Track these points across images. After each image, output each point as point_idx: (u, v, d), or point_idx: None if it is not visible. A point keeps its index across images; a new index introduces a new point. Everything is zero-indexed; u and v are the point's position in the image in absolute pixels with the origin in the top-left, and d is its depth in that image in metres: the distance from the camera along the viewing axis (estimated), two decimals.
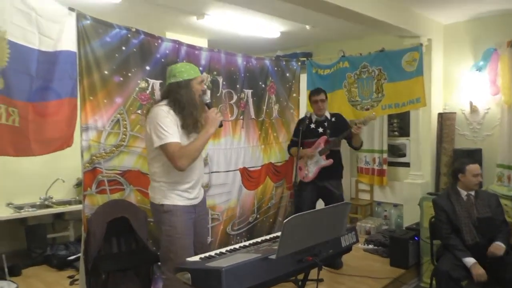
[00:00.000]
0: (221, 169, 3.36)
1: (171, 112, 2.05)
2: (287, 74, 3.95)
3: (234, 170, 3.49)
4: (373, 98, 3.88)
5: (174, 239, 2.08)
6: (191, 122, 2.07)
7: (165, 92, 2.16)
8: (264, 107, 3.76)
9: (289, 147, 3.62)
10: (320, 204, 3.46)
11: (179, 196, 2.11)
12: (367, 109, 3.89)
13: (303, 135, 3.33)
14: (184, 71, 2.12)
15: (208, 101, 2.12)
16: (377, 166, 4.61)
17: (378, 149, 4.61)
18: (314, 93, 3.46)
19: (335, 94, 4.05)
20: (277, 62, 3.89)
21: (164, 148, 2.00)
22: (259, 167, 3.72)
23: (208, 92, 2.18)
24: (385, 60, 3.83)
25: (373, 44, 4.30)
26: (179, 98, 2.06)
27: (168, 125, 2.00)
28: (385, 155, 4.56)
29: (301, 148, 3.39)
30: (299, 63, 4.05)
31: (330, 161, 3.29)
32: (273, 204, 3.86)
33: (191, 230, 2.14)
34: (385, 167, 4.56)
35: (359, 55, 4.02)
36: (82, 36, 2.48)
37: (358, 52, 4.07)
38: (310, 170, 3.35)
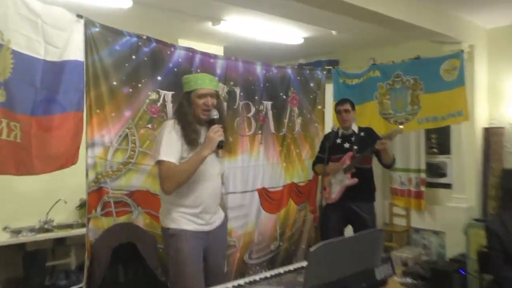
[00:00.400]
0: (237, 190, 3.36)
1: (177, 127, 2.14)
2: (311, 84, 3.96)
3: (251, 191, 3.48)
4: (408, 110, 3.84)
5: (181, 266, 2.09)
6: (195, 138, 2.11)
7: (176, 104, 2.32)
8: (286, 121, 3.75)
9: (314, 163, 3.60)
10: (349, 231, 3.41)
11: (187, 220, 2.14)
12: (401, 123, 3.84)
13: (330, 151, 3.32)
14: (187, 82, 2.22)
15: (214, 117, 2.15)
16: (413, 187, 4.53)
17: (414, 168, 4.54)
18: (338, 103, 3.48)
19: (365, 107, 4.03)
20: (300, 71, 3.91)
21: (157, 166, 2.10)
22: (281, 188, 3.70)
23: (216, 111, 2.17)
24: (421, 69, 3.80)
25: (408, 50, 4.28)
26: (181, 111, 2.18)
27: (167, 141, 2.08)
28: (423, 175, 4.48)
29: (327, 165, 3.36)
30: (325, 72, 4.07)
31: (354, 180, 3.25)
32: (296, 229, 3.83)
33: (200, 258, 2.15)
34: (423, 188, 4.47)
35: (391, 63, 4.00)
36: (90, 44, 2.54)
37: (390, 60, 4.05)
38: (334, 190, 3.32)
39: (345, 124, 3.37)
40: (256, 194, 3.52)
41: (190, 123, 2.14)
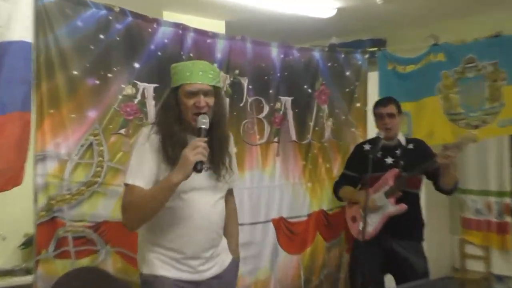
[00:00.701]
0: (244, 221, 3.31)
1: (153, 137, 2.15)
2: (347, 73, 3.95)
3: (264, 222, 3.47)
4: (485, 109, 3.79)
5: None
6: (177, 154, 2.06)
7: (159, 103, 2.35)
8: (311, 124, 3.75)
9: (337, 185, 3.61)
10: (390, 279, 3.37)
11: (164, 263, 2.16)
12: (477, 127, 3.79)
13: (363, 166, 3.29)
14: (173, 73, 2.24)
15: (201, 126, 2.09)
16: (495, 217, 4.50)
17: (495, 191, 4.51)
18: (379, 103, 3.45)
19: (423, 104, 4.01)
20: (331, 54, 3.89)
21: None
22: (305, 217, 3.68)
23: (205, 118, 2.11)
24: (503, 51, 3.74)
25: (483, 25, 4.24)
26: (163, 115, 2.23)
27: (137, 158, 2.14)
28: (507, 200, 4.45)
29: (358, 187, 3.33)
30: (367, 56, 4.06)
31: (403, 206, 3.21)
32: (326, 276, 3.79)
33: None
34: (508, 219, 4.44)
35: (460, 43, 3.95)
36: (42, 20, 2.54)
37: (459, 39, 4.00)
38: (372, 221, 3.28)
39: (389, 133, 3.35)
40: (271, 226, 3.50)
41: (173, 133, 2.14)
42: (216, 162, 2.22)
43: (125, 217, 2.10)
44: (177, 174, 1.99)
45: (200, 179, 2.14)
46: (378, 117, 3.40)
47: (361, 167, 3.33)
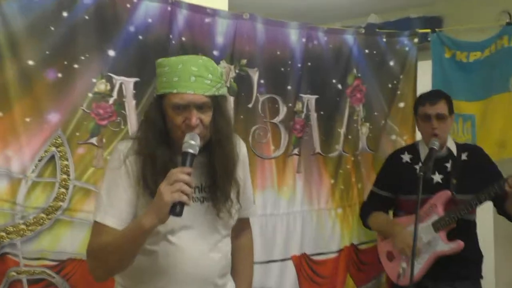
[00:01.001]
0: (256, 258, 3.25)
1: (131, 159, 2.11)
2: (391, 63, 3.99)
3: (282, 260, 3.49)
4: None
5: None
6: (152, 182, 2.04)
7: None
8: (342, 131, 3.78)
9: (366, 209, 3.64)
10: None
11: None
12: None
13: (400, 184, 3.34)
14: (158, 73, 2.14)
15: (187, 151, 1.97)
16: None
17: None
18: (425, 100, 3.43)
19: (492, 104, 4.02)
20: (369, 38, 3.93)
21: None
22: (335, 254, 3.71)
23: (195, 139, 1.99)
24: None
25: None
26: (143, 128, 2.19)
27: (108, 188, 2.12)
28: None
29: (389, 214, 3.38)
30: (416, 40, 4.08)
31: (460, 245, 3.22)
32: None
33: None
34: None
35: None
36: None
37: None
38: (416, 262, 3.24)
39: (435, 141, 3.32)
40: (290, 266, 3.52)
41: (155, 156, 2.07)
42: (216, 192, 2.16)
43: (90, 265, 2.09)
44: (149, 217, 1.91)
45: (194, 215, 2.11)
46: (423, 118, 3.39)
47: (397, 185, 3.38)
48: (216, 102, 2.10)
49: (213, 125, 2.10)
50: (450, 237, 3.26)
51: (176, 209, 1.85)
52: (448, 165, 3.37)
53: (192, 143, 1.96)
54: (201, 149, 2.06)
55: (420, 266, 3.29)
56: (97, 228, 2.08)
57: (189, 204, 1.89)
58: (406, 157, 3.48)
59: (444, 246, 3.26)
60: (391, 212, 3.64)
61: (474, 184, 3.24)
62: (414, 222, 3.07)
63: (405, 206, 3.38)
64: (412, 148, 3.52)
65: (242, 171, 2.33)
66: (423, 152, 3.40)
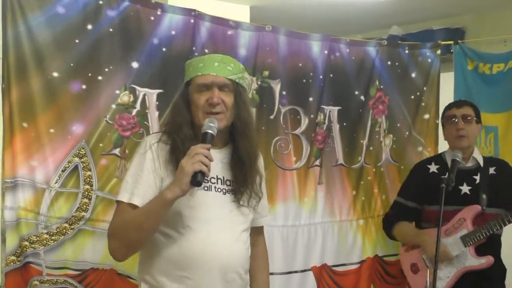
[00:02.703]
0: (275, 269, 3.32)
1: (160, 146, 2.19)
2: (413, 74, 3.97)
3: (302, 271, 3.49)
4: None
5: None
6: (178, 163, 2.09)
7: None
8: (364, 142, 3.77)
9: (390, 219, 3.59)
10: None
11: None
12: None
13: (427, 195, 3.32)
14: (186, 69, 2.30)
15: (207, 131, 2.10)
16: None
17: None
18: (451, 104, 3.45)
19: None
20: (391, 50, 3.91)
21: None
22: (356, 266, 3.70)
23: (213, 122, 2.11)
24: None
25: None
26: (172, 117, 2.30)
27: (134, 172, 2.17)
28: None
29: (413, 224, 3.36)
30: (439, 52, 4.05)
31: (490, 260, 3.18)
32: None
33: None
34: None
35: None
36: (11, 5, 2.60)
37: None
38: (443, 275, 3.26)
39: (462, 143, 3.31)
40: (310, 277, 3.51)
41: (183, 140, 2.17)
42: (238, 182, 2.23)
43: (110, 243, 2.13)
44: (172, 188, 2.00)
45: (214, 204, 2.17)
46: (449, 120, 3.37)
47: (423, 195, 3.33)
48: (238, 90, 2.23)
49: (235, 112, 2.21)
50: (478, 252, 3.22)
51: (197, 177, 1.97)
52: (477, 177, 3.33)
53: (211, 125, 2.09)
54: (225, 143, 2.25)
55: (448, 280, 3.26)
56: (121, 208, 2.13)
57: (209, 174, 2.03)
58: (432, 167, 3.44)
59: (474, 261, 3.22)
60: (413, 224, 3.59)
61: (504, 200, 3.22)
62: (444, 233, 3.21)
63: (431, 217, 3.33)
64: (439, 159, 3.48)
65: (261, 168, 2.41)
66: (450, 162, 3.31)
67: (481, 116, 3.41)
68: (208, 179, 2.15)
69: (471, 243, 3.20)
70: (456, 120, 3.31)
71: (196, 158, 1.97)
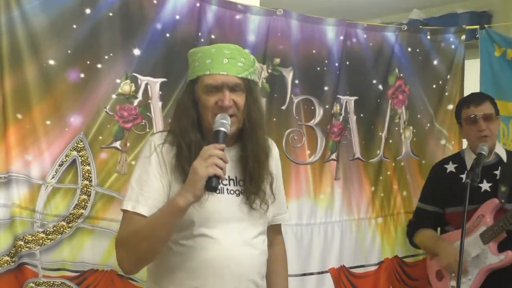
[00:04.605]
0: (291, 271, 3.23)
1: (166, 149, 2.17)
2: (435, 62, 3.95)
3: (319, 273, 3.48)
4: None
5: None
6: (186, 165, 2.08)
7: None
8: (383, 134, 3.75)
9: (412, 226, 3.59)
10: None
11: None
12: None
13: (448, 197, 3.31)
14: (191, 61, 2.25)
15: (219, 129, 2.07)
16: None
17: None
18: (468, 102, 3.38)
19: None
20: (412, 36, 3.89)
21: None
22: (374, 267, 3.70)
23: (226, 119, 2.08)
24: None
25: None
26: (177, 117, 2.26)
27: (139, 177, 2.15)
28: None
29: (435, 230, 3.35)
30: (463, 37, 4.02)
31: (509, 255, 3.13)
32: None
33: None
34: None
35: None
36: None
37: None
38: (464, 278, 3.23)
39: (483, 142, 3.24)
40: (328, 279, 3.51)
41: (190, 143, 2.14)
42: (250, 183, 2.20)
43: (119, 254, 2.09)
44: (184, 195, 1.96)
45: (228, 208, 2.14)
46: (468, 121, 3.34)
47: (443, 198, 3.31)
48: (249, 87, 2.20)
49: (246, 111, 2.18)
50: (500, 248, 3.18)
51: (212, 182, 1.92)
52: (497, 172, 3.31)
53: (224, 121, 2.06)
54: (235, 141, 2.22)
55: (471, 282, 3.23)
56: (128, 217, 2.10)
57: (224, 178, 2.00)
58: (450, 167, 3.43)
59: (494, 258, 3.18)
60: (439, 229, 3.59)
61: None
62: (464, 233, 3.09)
63: (453, 220, 3.33)
64: (457, 157, 3.47)
65: (275, 168, 2.39)
66: (469, 160, 3.35)
67: (505, 105, 3.51)
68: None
69: (490, 239, 3.18)
70: (477, 120, 3.28)
71: (210, 161, 1.92)
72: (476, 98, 3.36)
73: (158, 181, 2.12)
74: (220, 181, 1.96)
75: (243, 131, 2.19)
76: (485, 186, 3.29)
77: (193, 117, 2.18)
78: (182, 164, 2.10)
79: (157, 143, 2.17)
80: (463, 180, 3.14)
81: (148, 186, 2.10)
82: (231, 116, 2.10)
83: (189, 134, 2.14)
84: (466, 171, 3.21)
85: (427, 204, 3.50)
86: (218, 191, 2.07)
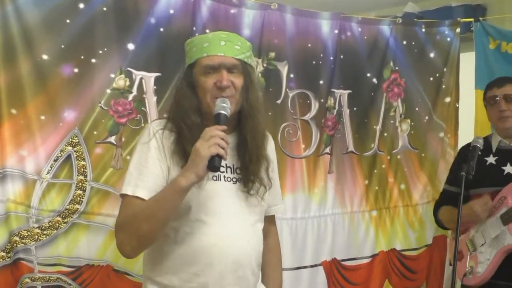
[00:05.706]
0: (285, 264, 3.24)
1: (161, 132, 2.17)
2: (431, 55, 3.95)
3: (312, 266, 3.49)
4: None
5: None
6: (187, 148, 2.08)
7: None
8: (378, 127, 3.77)
9: (436, 206, 3.57)
10: None
11: None
12: None
13: (475, 178, 3.20)
14: (188, 50, 2.26)
15: (220, 112, 2.08)
16: None
17: None
18: (491, 83, 3.43)
19: None
20: (407, 29, 3.89)
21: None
22: (367, 260, 3.71)
23: (226, 102, 2.09)
24: None
25: None
26: (175, 103, 2.26)
27: (138, 163, 2.14)
28: None
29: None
30: (459, 30, 4.03)
31: None
32: None
33: None
34: None
35: None
36: None
37: None
38: (484, 258, 3.25)
39: (505, 124, 3.32)
40: (320, 272, 3.52)
41: (191, 125, 2.14)
42: (246, 168, 2.20)
43: (119, 237, 2.07)
44: (186, 175, 1.96)
45: (225, 194, 2.15)
46: (490, 101, 3.38)
47: (471, 179, 3.31)
48: (247, 70, 2.19)
49: (244, 93, 2.17)
50: None
51: (215, 162, 1.94)
52: None
53: (224, 105, 2.06)
54: (233, 129, 2.19)
55: (489, 262, 3.22)
56: (127, 201, 2.09)
57: (226, 158, 1.99)
58: (476, 149, 3.29)
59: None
60: None
61: None
62: (481, 209, 3.19)
63: (476, 198, 3.29)
64: (485, 140, 3.37)
65: (270, 151, 2.38)
66: (495, 143, 3.38)
67: None
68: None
69: (510, 220, 3.16)
70: (498, 100, 3.31)
71: (212, 141, 1.94)
72: (499, 80, 3.40)
73: (157, 166, 2.11)
74: (222, 161, 1.97)
75: (242, 115, 2.19)
76: (508, 169, 3.29)
77: (193, 101, 2.16)
78: (184, 146, 2.09)
79: (156, 129, 2.16)
80: (487, 163, 3.28)
81: (147, 171, 2.09)
82: (228, 97, 2.11)
83: (190, 117, 2.14)
84: (491, 155, 3.32)
85: (450, 185, 3.50)
86: (215, 178, 2.12)
